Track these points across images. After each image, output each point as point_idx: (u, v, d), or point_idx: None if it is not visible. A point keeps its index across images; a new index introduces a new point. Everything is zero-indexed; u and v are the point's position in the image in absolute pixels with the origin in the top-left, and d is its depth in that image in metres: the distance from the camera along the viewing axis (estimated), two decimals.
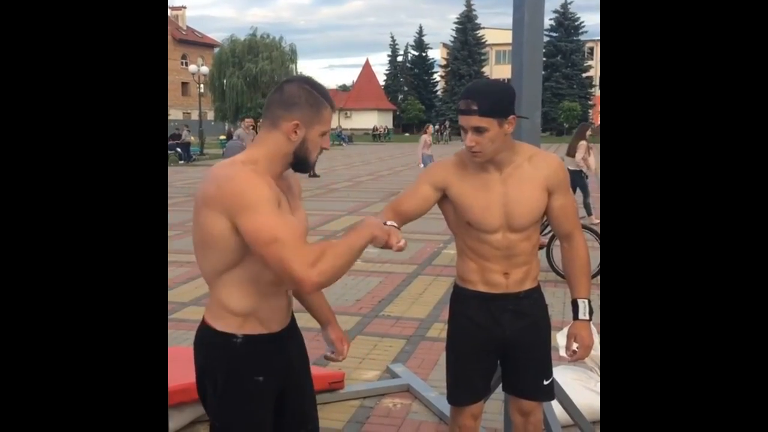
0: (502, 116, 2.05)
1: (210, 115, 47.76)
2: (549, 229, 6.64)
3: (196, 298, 5.84)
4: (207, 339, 1.84)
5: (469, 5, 60.27)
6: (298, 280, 1.60)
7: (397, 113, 61.93)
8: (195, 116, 40.34)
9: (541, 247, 6.30)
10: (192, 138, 26.08)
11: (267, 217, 1.61)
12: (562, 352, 3.45)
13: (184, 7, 56.95)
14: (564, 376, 3.27)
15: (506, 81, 2.18)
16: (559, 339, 3.49)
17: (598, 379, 3.35)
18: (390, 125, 57.56)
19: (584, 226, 6.50)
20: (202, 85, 31.14)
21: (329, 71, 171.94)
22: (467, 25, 59.84)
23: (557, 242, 7.14)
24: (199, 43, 56.48)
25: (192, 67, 28.54)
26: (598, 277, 6.18)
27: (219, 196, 1.65)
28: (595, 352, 3.37)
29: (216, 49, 51.83)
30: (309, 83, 1.80)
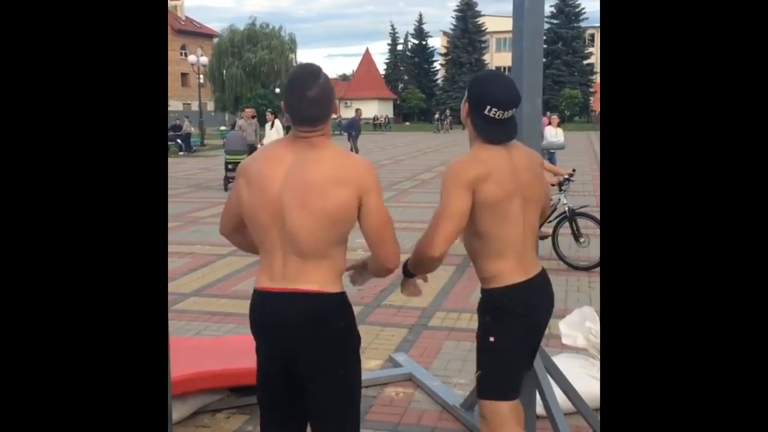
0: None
1: (210, 106, 47.68)
2: (553, 217, 6.63)
3: (198, 289, 5.84)
4: (338, 302, 1.99)
5: None
6: None
7: (398, 102, 61.75)
8: (195, 107, 40.26)
9: (543, 238, 6.29)
10: (192, 129, 26.01)
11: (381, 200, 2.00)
12: (565, 340, 3.46)
13: None
14: (566, 363, 3.27)
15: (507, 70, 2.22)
16: (561, 327, 3.49)
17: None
18: (390, 114, 57.41)
19: (585, 214, 6.53)
20: (201, 76, 31.05)
21: (329, 60, 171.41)
22: (467, 12, 59.50)
23: (561, 230, 7.14)
24: (198, 33, 56.26)
25: (191, 58, 28.45)
26: (599, 267, 6.18)
27: (352, 176, 1.92)
28: (596, 339, 3.37)
29: (215, 40, 51.70)
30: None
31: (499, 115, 2.14)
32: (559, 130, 12.59)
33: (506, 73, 2.56)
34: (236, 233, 2.17)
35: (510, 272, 2.22)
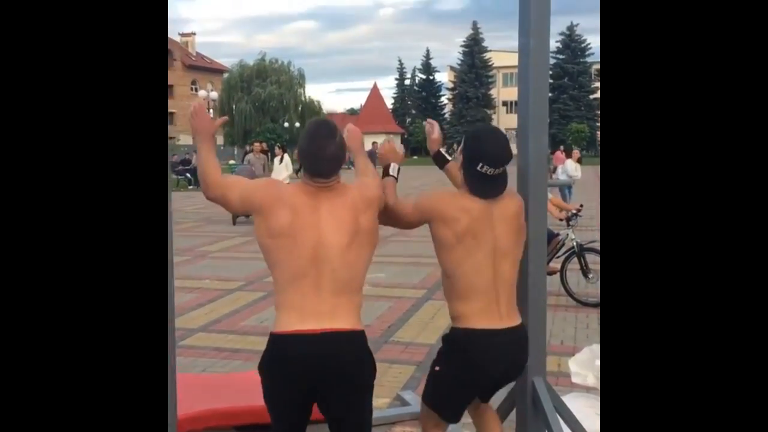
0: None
1: (219, 140, 48.09)
2: (561, 253, 6.60)
3: (205, 324, 5.83)
4: (365, 339, 2.15)
5: (476, 28, 60.72)
6: None
7: (405, 137, 62.16)
8: None
9: (551, 273, 6.25)
10: None
11: None
12: (574, 379, 3.42)
13: (194, 34, 57.80)
14: (576, 403, 3.23)
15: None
16: (571, 366, 3.45)
17: None
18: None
19: (593, 249, 6.49)
20: (211, 110, 31.45)
21: (336, 95, 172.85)
22: (474, 48, 60.18)
23: (570, 266, 7.01)
24: (208, 69, 57.03)
25: (202, 93, 28.88)
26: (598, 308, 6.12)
27: (377, 205, 2.22)
28: (597, 375, 3.33)
29: (225, 75, 52.40)
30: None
31: (490, 172, 2.27)
32: (578, 165, 12.58)
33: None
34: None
35: (473, 317, 2.29)
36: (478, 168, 2.26)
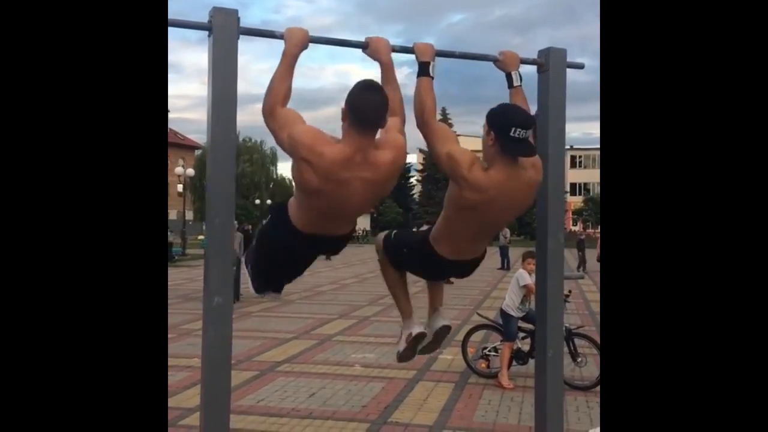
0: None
1: (188, 215, 47.94)
2: None
3: None
4: None
5: (444, 114, 62.62)
6: None
7: (375, 215, 62.72)
8: (172, 215, 40.43)
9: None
10: (174, 239, 26.06)
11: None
12: None
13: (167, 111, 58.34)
14: None
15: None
16: None
17: None
18: (368, 227, 58.19)
19: (581, 334, 6.70)
20: (181, 186, 31.62)
21: None
22: None
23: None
24: (180, 145, 57.30)
25: (178, 170, 29.01)
26: (597, 386, 6.28)
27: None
28: None
29: (197, 151, 52.80)
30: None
31: (522, 135, 2.49)
32: None
33: None
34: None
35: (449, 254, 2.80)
36: (512, 134, 2.47)
